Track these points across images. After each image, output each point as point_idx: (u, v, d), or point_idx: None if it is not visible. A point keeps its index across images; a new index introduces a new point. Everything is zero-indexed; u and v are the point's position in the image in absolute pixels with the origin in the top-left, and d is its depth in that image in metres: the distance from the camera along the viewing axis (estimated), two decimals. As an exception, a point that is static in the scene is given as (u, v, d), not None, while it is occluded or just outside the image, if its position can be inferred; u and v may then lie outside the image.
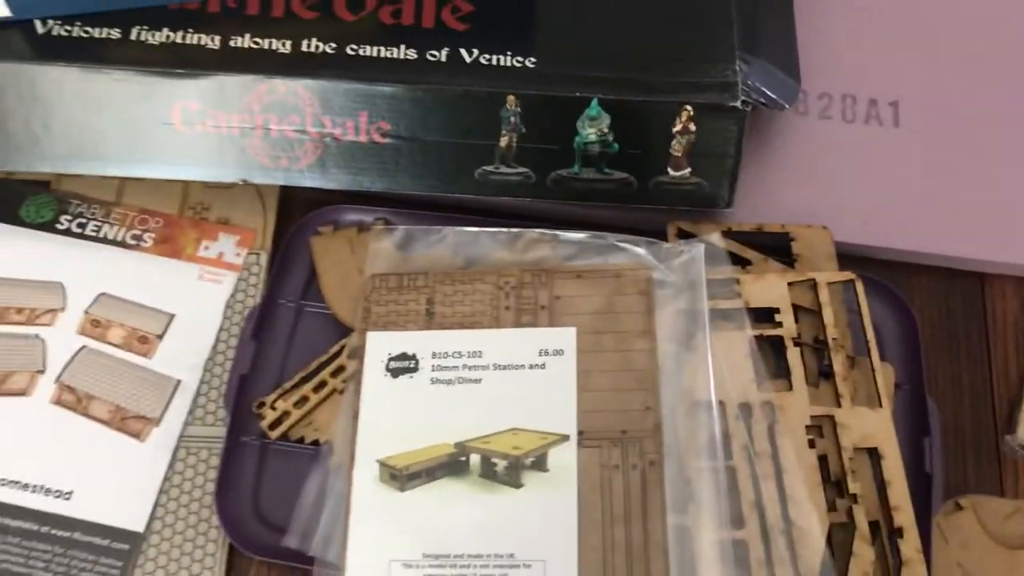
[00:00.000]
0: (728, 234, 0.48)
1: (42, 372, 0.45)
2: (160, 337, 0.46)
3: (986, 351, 0.48)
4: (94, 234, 0.48)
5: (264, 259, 0.48)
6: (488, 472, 0.42)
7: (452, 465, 0.42)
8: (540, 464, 0.42)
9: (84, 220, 0.48)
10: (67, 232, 0.48)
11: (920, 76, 0.53)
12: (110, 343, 0.46)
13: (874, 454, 0.43)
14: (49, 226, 0.48)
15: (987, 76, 0.53)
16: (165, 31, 0.45)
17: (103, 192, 0.49)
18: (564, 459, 0.42)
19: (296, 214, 0.50)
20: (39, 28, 0.44)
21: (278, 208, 0.49)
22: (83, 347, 0.45)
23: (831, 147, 0.52)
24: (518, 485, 0.41)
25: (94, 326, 0.46)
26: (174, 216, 0.49)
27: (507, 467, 0.42)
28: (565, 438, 0.42)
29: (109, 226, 0.48)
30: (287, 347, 0.47)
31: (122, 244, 0.48)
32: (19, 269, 0.47)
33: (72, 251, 0.47)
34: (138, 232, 0.48)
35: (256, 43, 0.45)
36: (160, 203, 0.49)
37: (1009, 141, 0.52)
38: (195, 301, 0.47)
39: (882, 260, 0.50)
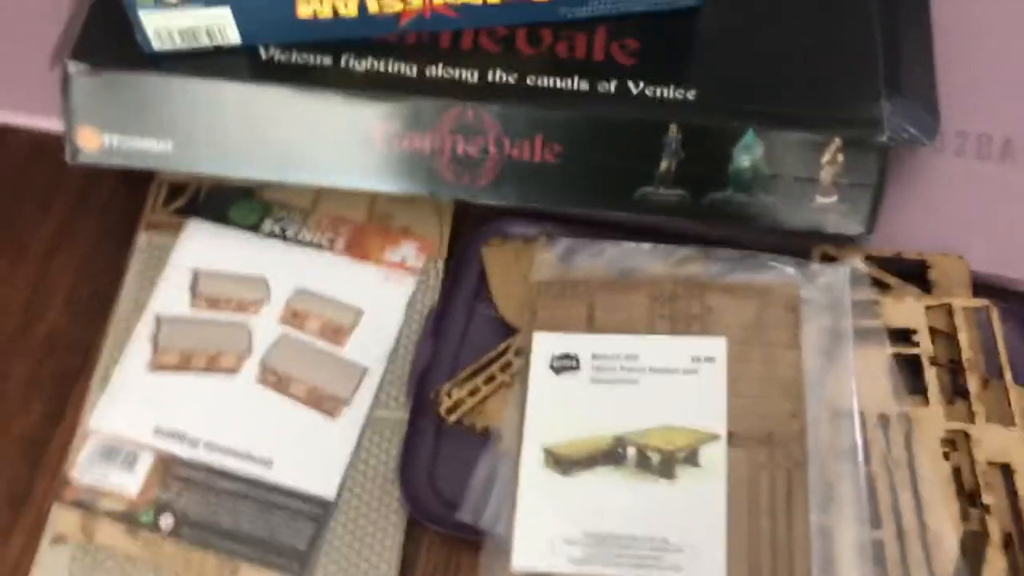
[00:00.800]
0: (869, 259, 0.51)
1: (248, 354, 0.51)
2: (351, 329, 0.52)
3: (1116, 381, 0.51)
4: (293, 237, 0.54)
5: (441, 265, 0.54)
6: (643, 464, 0.46)
7: (610, 455, 0.46)
8: (692, 459, 0.46)
9: (285, 224, 0.55)
10: (270, 234, 0.54)
11: (1057, 118, 0.56)
12: (307, 332, 0.52)
13: (1006, 469, 0.46)
14: (255, 228, 0.55)
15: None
16: (370, 59, 0.51)
17: (301, 200, 0.55)
18: (715, 456, 0.46)
19: (468, 226, 0.55)
20: (263, 54, 0.51)
21: (453, 220, 0.55)
22: (284, 334, 0.52)
23: (966, 182, 0.55)
24: (671, 477, 0.46)
25: (293, 317, 0.52)
26: (362, 223, 0.55)
27: (661, 460, 0.46)
28: (716, 437, 0.46)
29: (306, 230, 0.54)
30: (460, 344, 0.52)
31: (317, 246, 0.54)
32: (229, 264, 0.53)
33: (275, 251, 0.54)
34: (331, 236, 0.54)
35: (448, 72, 0.51)
36: (350, 211, 0.55)
37: None
38: (381, 299, 0.52)
39: (1014, 291, 0.53)
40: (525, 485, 0.46)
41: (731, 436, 0.46)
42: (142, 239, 0.55)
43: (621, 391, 0.48)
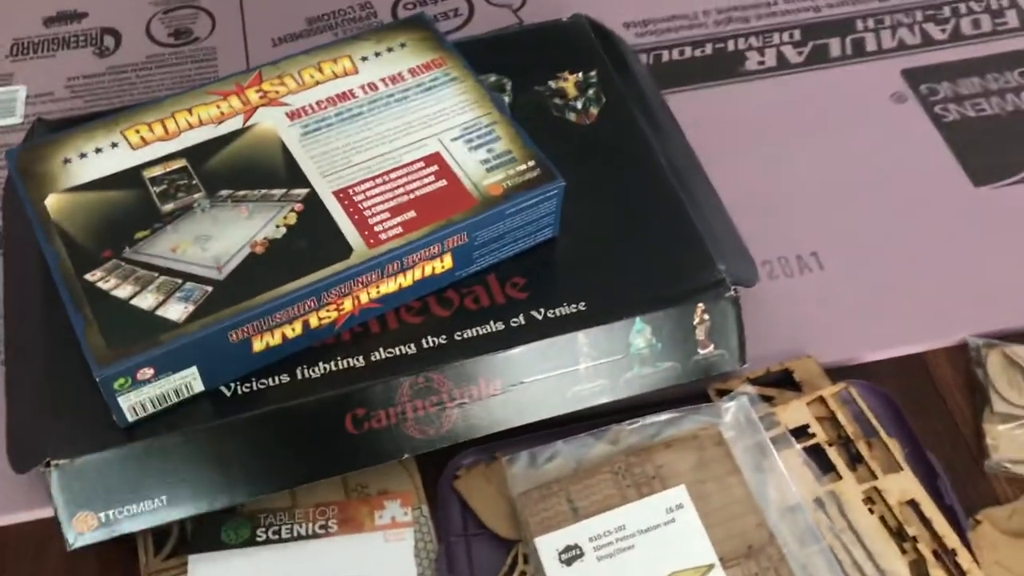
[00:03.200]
0: (749, 381, 0.65)
1: (297, 657, 0.55)
2: (381, 598, 0.57)
3: (945, 406, 0.67)
4: (289, 535, 0.59)
5: (425, 510, 0.61)
6: (668, 610, 0.55)
7: (640, 614, 0.55)
8: (702, 591, 0.56)
9: (276, 527, 0.60)
10: (267, 541, 0.59)
11: (826, 229, 0.73)
12: (340, 615, 0.57)
13: (913, 503, 0.60)
14: (250, 542, 0.59)
15: (868, 221, 0.74)
16: (320, 364, 0.58)
17: (281, 502, 0.61)
18: (718, 581, 0.56)
19: (432, 467, 0.63)
20: (226, 392, 0.57)
21: (419, 466, 0.62)
22: (321, 626, 0.56)
23: (785, 298, 0.70)
24: (693, 611, 0.55)
25: (322, 607, 0.57)
26: (344, 500, 0.61)
27: (680, 601, 0.56)
28: (712, 566, 0.56)
29: (298, 525, 0.60)
30: (471, 570, 0.59)
31: (314, 536, 0.59)
32: (243, 583, 0.58)
33: (278, 554, 0.59)
34: (322, 523, 0.60)
35: (390, 352, 0.59)
36: (329, 494, 0.61)
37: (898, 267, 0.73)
38: (390, 560, 0.59)
39: (855, 365, 0.68)
40: (585, 668, 0.54)
41: (722, 561, 0.57)
42: (150, 592, 0.58)
43: (625, 559, 0.57)
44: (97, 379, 0.52)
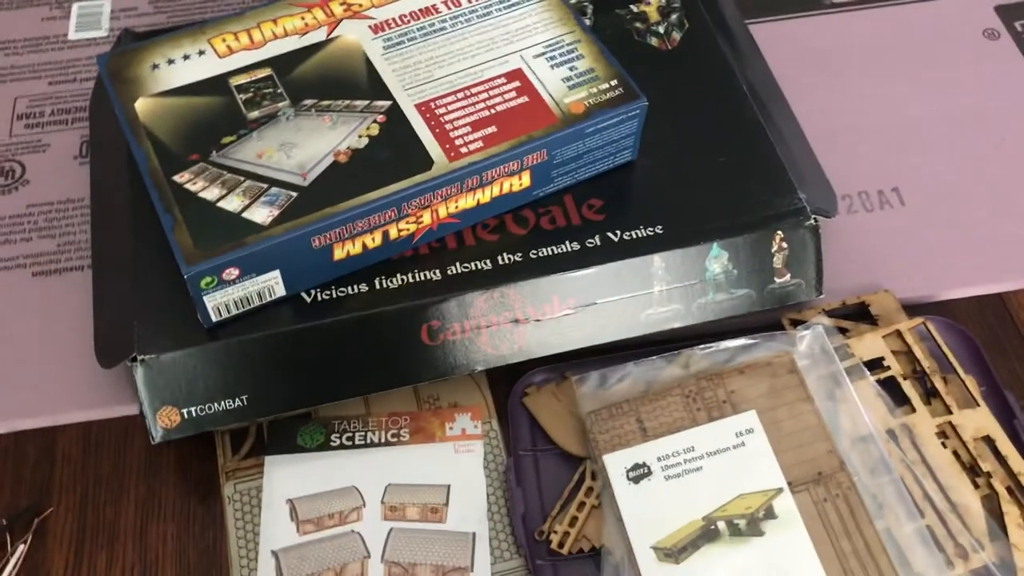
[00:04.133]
0: (824, 312, 0.64)
1: (368, 557, 0.57)
2: (445, 505, 0.59)
3: (1023, 345, 0.65)
4: (362, 442, 0.61)
5: (495, 424, 0.62)
6: (735, 531, 0.56)
7: (707, 534, 0.56)
8: (770, 513, 0.56)
9: (350, 433, 0.61)
10: (340, 447, 0.61)
11: (909, 165, 0.72)
12: (410, 520, 0.58)
13: (988, 440, 0.59)
14: (324, 446, 0.61)
15: (953, 159, 0.72)
16: (398, 276, 0.59)
17: (355, 409, 0.62)
18: (786, 505, 0.56)
19: (502, 384, 0.64)
20: (306, 298, 0.58)
21: (489, 383, 0.63)
22: (391, 529, 0.58)
23: (864, 232, 0.69)
24: (760, 534, 0.55)
25: (392, 511, 0.58)
26: (416, 412, 0.62)
27: (748, 523, 0.56)
28: (780, 491, 0.56)
29: (371, 432, 0.61)
30: (539, 484, 0.60)
31: (386, 443, 0.61)
32: (317, 484, 0.59)
33: (351, 459, 0.60)
34: (394, 431, 0.61)
35: (466, 267, 0.60)
36: (401, 405, 0.62)
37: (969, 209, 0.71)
38: (460, 470, 0.60)
39: (932, 303, 0.67)
40: (649, 582, 0.55)
41: (791, 485, 0.57)
42: (227, 489, 0.59)
43: (692, 480, 0.57)
44: (185, 276, 0.54)
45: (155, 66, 0.62)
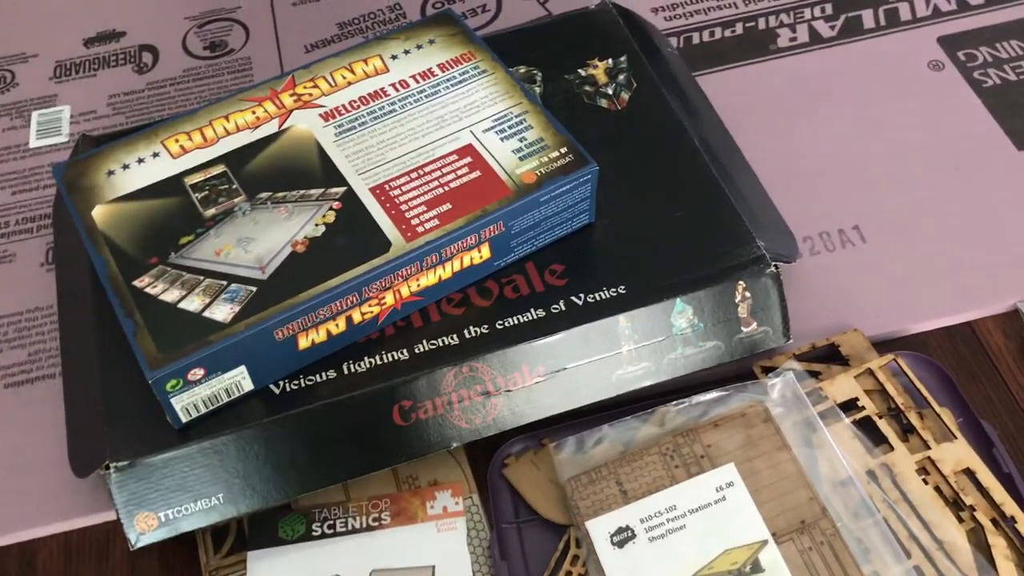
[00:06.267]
0: (794, 357, 0.64)
1: (356, 647, 0.56)
2: (441, 586, 0.58)
3: (997, 373, 0.65)
4: (344, 529, 0.60)
5: (477, 498, 0.62)
6: (723, 588, 0.55)
7: (695, 593, 0.55)
8: (756, 567, 0.55)
9: (331, 521, 0.61)
10: (322, 535, 0.60)
11: (867, 201, 0.73)
12: (401, 605, 0.58)
13: (969, 472, 0.59)
14: (306, 536, 0.60)
15: (909, 192, 0.73)
16: (366, 359, 0.59)
17: (335, 496, 0.62)
18: (772, 557, 0.56)
19: (480, 457, 0.63)
20: (275, 389, 0.58)
21: (468, 455, 0.63)
22: (382, 615, 0.57)
23: (829, 272, 0.70)
24: (748, 588, 0.55)
25: (380, 597, 0.58)
26: (396, 493, 0.62)
27: (735, 579, 0.55)
28: (765, 543, 0.56)
29: (351, 519, 0.61)
30: (523, 556, 0.59)
31: (367, 528, 0.60)
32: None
33: (334, 547, 0.59)
34: (375, 515, 0.61)
35: (433, 343, 0.60)
36: (380, 487, 0.62)
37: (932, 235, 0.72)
38: (443, 549, 0.59)
39: (903, 337, 0.67)
40: (642, 648, 0.54)
41: (775, 536, 0.56)
42: (211, 589, 0.59)
43: (677, 539, 0.57)
44: (150, 381, 0.54)
45: (111, 172, 0.62)
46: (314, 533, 0.61)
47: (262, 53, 0.87)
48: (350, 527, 0.61)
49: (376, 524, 0.61)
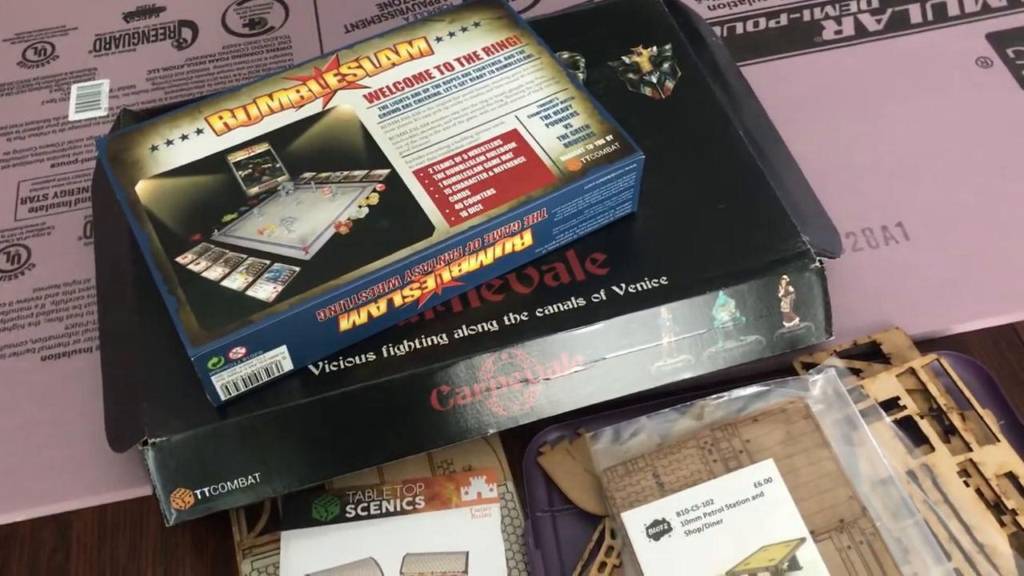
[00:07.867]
0: (835, 354, 0.64)
1: (390, 630, 0.56)
2: (465, 572, 0.58)
3: (1041, 377, 0.65)
4: (377, 512, 0.60)
5: (511, 486, 0.61)
6: (759, 584, 0.55)
7: (731, 588, 0.55)
8: (794, 565, 0.55)
9: (365, 504, 0.60)
10: (355, 518, 0.60)
11: (911, 198, 0.72)
12: (431, 589, 0.57)
13: (1011, 476, 0.58)
14: (340, 518, 0.60)
15: (954, 190, 0.72)
16: (405, 342, 0.59)
17: (369, 479, 0.61)
18: (809, 556, 0.55)
19: (515, 444, 0.63)
20: (314, 371, 0.58)
21: (502, 442, 0.63)
22: (412, 599, 0.57)
23: (871, 269, 0.69)
24: (785, 585, 0.55)
25: (411, 581, 0.58)
26: (430, 477, 0.61)
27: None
28: (803, 540, 0.56)
29: (385, 502, 0.61)
30: (558, 546, 0.59)
31: (402, 512, 0.60)
32: (334, 557, 0.58)
33: (367, 531, 0.59)
34: (409, 499, 0.61)
35: (473, 329, 0.59)
36: (415, 472, 0.62)
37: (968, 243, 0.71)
38: (477, 535, 0.59)
39: (945, 337, 0.66)
40: (676, 641, 0.54)
41: (813, 534, 0.56)
42: (245, 567, 0.59)
43: (713, 533, 0.57)
44: (192, 358, 0.54)
45: (154, 147, 0.62)
46: (348, 515, 0.60)
47: (302, 32, 0.87)
48: (384, 510, 0.61)
49: (410, 508, 0.61)
